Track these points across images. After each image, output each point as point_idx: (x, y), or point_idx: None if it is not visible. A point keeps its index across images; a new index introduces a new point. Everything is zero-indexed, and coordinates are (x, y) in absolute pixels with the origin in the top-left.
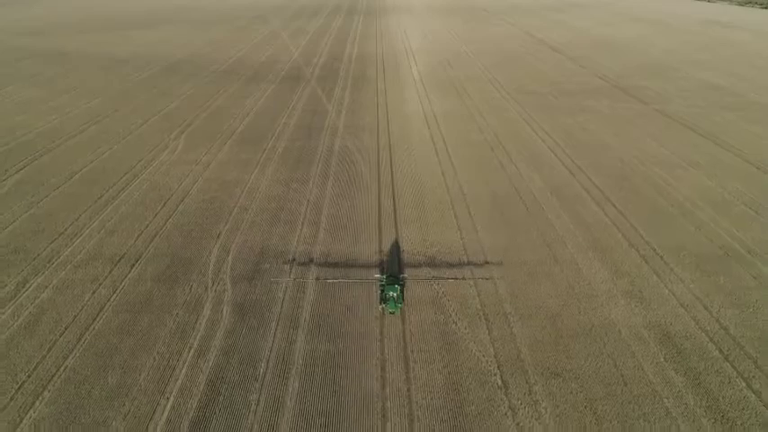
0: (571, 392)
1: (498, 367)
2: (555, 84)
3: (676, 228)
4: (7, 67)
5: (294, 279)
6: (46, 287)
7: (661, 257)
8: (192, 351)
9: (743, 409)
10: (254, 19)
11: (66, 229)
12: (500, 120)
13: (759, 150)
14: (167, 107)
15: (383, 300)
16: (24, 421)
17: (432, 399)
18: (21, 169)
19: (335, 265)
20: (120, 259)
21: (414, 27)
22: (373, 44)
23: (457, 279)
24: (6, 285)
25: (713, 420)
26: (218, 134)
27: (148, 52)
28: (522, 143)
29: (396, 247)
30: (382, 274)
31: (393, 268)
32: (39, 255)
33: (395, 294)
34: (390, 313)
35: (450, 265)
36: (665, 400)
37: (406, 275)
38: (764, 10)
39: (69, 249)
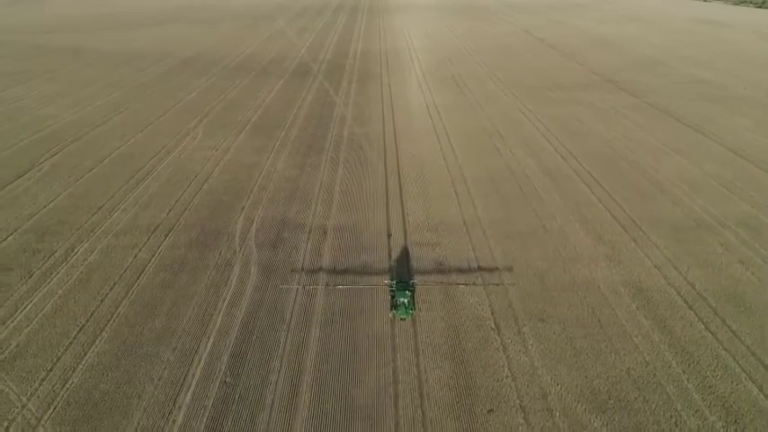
0: (554, 333)
1: (492, 314)
2: (551, 78)
3: (656, 203)
4: (27, 63)
5: (303, 287)
6: (92, 251)
7: (640, 228)
8: (226, 302)
9: (700, 345)
10: (259, 18)
11: (103, 205)
12: (498, 111)
13: (739, 138)
14: (184, 99)
15: (394, 306)
16: (89, 354)
17: (434, 337)
18: (55, 154)
19: (348, 233)
20: (155, 229)
21: (415, 25)
22: (377, 42)
23: (467, 285)
24: (57, 251)
25: (674, 353)
26: (235, 123)
27: (160, 49)
28: (517, 131)
29: (402, 219)
30: (392, 280)
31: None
32: (82, 226)
33: (405, 300)
34: (401, 320)
35: (451, 234)
36: (634, 338)
37: (415, 281)
38: (758, 9)
39: (109, 221)
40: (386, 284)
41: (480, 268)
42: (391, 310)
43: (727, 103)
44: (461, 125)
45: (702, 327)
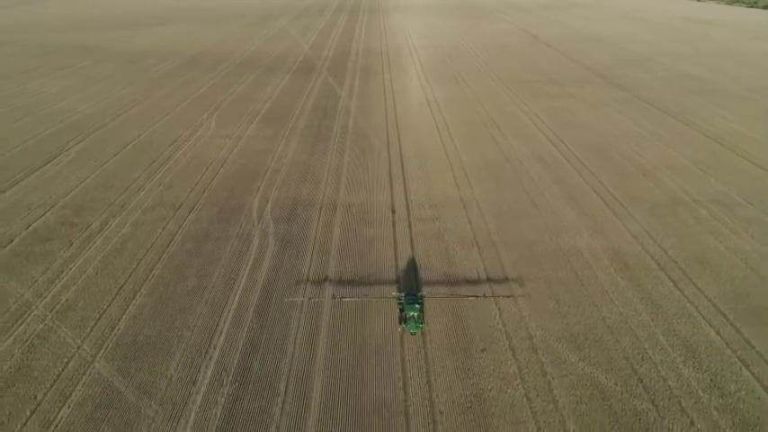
0: (540, 290)
1: (486, 274)
2: (545, 74)
3: (637, 183)
4: (37, 60)
5: (309, 299)
6: (124, 224)
7: (621, 204)
8: (249, 266)
9: (668, 299)
10: (262, 17)
11: (130, 185)
12: (494, 104)
13: (719, 127)
14: (195, 93)
15: (403, 320)
16: (130, 307)
17: (436, 294)
18: (80, 141)
19: (356, 209)
20: (179, 206)
21: (415, 24)
22: (378, 40)
23: (477, 297)
24: (92, 224)
25: (645, 305)
26: (245, 115)
27: (167, 47)
28: (512, 122)
29: (404, 198)
30: (400, 292)
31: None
32: (112, 203)
33: (415, 314)
34: (411, 334)
35: (449, 210)
36: (611, 294)
37: (424, 293)
38: (749, 9)
39: (136, 199)
40: (394, 296)
41: (475, 235)
42: (400, 324)
43: (710, 96)
44: (460, 117)
45: (672, 285)
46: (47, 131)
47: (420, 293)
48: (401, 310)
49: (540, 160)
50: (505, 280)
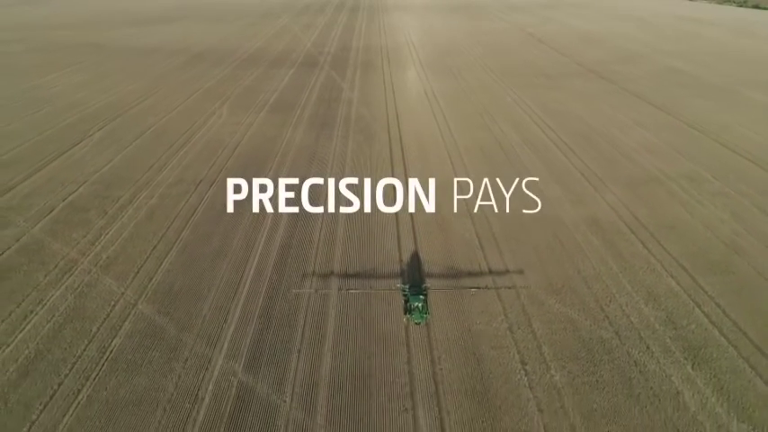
0: (525, 249)
1: (477, 239)
2: (539, 69)
3: (618, 164)
4: (49, 56)
5: (316, 291)
6: (152, 197)
7: (601, 180)
8: (266, 231)
9: (636, 256)
10: (263, 16)
11: (152, 165)
12: (489, 96)
13: (698, 116)
14: (205, 86)
15: (408, 311)
16: (164, 263)
17: (432, 255)
18: (100, 129)
19: (360, 187)
20: (199, 183)
21: (414, 23)
22: (377, 37)
23: (480, 288)
24: (122, 197)
25: (616, 260)
26: (254, 104)
27: (174, 44)
28: (505, 112)
29: (404, 177)
30: (404, 284)
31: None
32: (138, 180)
33: (420, 305)
34: (416, 324)
35: (445, 190)
36: (587, 253)
37: (428, 285)
38: (739, 8)
39: (160, 176)
40: (399, 288)
41: (468, 209)
42: (405, 314)
43: (695, 89)
44: (456, 107)
45: (641, 245)
46: (67, 121)
47: (424, 285)
48: (406, 302)
49: (531, 145)
50: (495, 241)
